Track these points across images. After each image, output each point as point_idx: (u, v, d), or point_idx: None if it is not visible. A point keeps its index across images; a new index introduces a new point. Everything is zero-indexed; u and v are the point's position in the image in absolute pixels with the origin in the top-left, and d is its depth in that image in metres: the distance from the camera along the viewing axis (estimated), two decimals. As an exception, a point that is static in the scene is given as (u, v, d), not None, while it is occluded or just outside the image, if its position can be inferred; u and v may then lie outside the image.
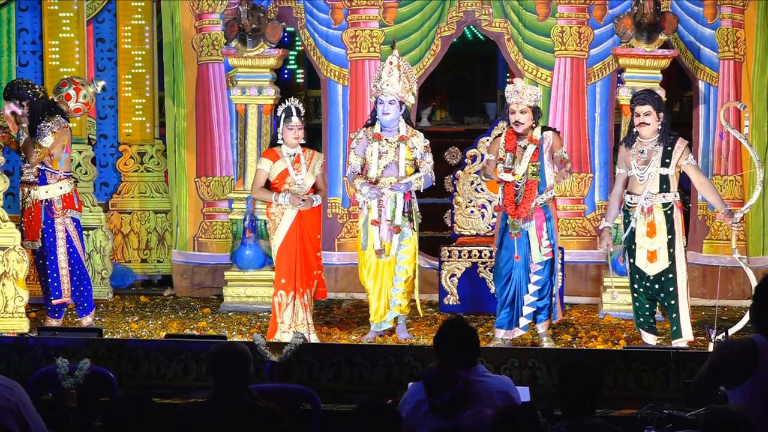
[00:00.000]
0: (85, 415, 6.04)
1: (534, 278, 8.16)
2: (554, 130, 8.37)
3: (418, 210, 8.47)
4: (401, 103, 8.39)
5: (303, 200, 8.19)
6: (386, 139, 8.38)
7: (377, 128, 8.40)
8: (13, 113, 8.65)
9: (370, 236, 8.37)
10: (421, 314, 8.83)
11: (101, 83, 9.28)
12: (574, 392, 4.60)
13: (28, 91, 8.71)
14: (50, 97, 8.86)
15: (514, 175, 8.09)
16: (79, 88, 8.94)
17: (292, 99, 8.39)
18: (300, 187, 8.24)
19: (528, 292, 8.16)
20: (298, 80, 13.55)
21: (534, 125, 8.16)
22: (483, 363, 5.42)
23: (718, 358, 4.96)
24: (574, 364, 4.72)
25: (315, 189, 8.33)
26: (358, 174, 8.41)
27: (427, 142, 8.48)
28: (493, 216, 9.27)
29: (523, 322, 8.23)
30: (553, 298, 8.21)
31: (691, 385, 5.03)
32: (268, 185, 8.31)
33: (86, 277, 8.90)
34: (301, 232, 8.26)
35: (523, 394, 5.50)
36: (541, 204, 8.13)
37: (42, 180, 8.72)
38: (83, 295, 8.85)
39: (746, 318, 8.07)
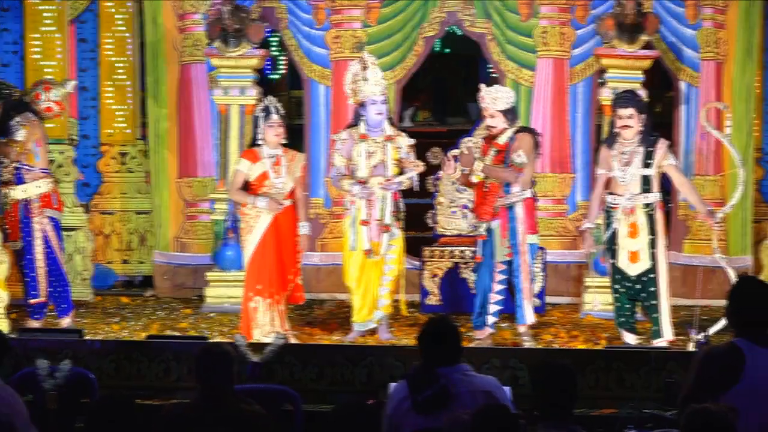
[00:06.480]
0: (66, 417, 6.02)
1: (498, 277, 8.19)
2: (532, 131, 8.36)
3: (403, 209, 8.49)
4: (386, 101, 8.44)
5: (281, 205, 8.17)
6: (373, 140, 8.39)
7: (362, 129, 8.40)
8: None
9: (359, 236, 8.36)
10: (405, 314, 8.83)
11: (72, 82, 9.28)
12: (547, 394, 4.61)
13: (6, 91, 8.72)
14: (24, 99, 8.88)
15: (476, 176, 8.17)
16: (49, 87, 8.95)
17: (269, 98, 8.39)
18: (279, 191, 8.22)
19: (493, 291, 8.20)
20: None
21: (508, 127, 8.19)
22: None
23: (703, 370, 4.87)
24: (545, 367, 4.73)
25: (293, 192, 8.31)
26: (344, 175, 8.41)
27: (412, 141, 8.50)
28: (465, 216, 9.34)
29: (491, 320, 8.27)
30: (524, 301, 8.22)
31: (678, 401, 4.97)
32: (247, 187, 8.29)
33: (63, 278, 8.86)
34: (277, 237, 8.22)
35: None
36: (506, 204, 8.15)
37: (19, 179, 8.69)
38: (61, 296, 8.82)
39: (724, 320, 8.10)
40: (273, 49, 12.60)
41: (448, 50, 13.85)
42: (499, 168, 8.12)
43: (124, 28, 10.52)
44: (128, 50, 10.55)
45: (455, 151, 9.60)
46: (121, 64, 10.56)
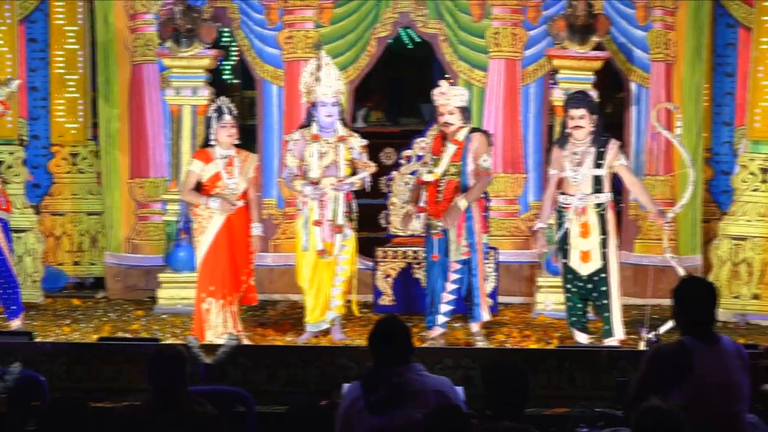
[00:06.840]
0: (16, 420, 5.97)
1: (452, 277, 8.22)
2: (485, 132, 8.42)
3: (356, 210, 8.49)
4: (338, 102, 8.43)
5: (233, 206, 8.15)
6: (325, 140, 8.38)
7: (314, 129, 8.39)
8: None
9: (311, 237, 8.35)
10: (357, 314, 8.83)
11: (16, 82, 9.18)
12: (500, 394, 4.64)
13: None
14: None
15: (432, 174, 8.16)
16: None
17: (222, 98, 8.37)
18: (232, 192, 8.19)
19: (445, 290, 8.23)
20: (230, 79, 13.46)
21: (463, 126, 8.24)
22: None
23: (652, 369, 4.93)
24: (497, 367, 4.75)
25: (246, 193, 8.29)
26: (296, 175, 8.40)
27: (365, 142, 8.51)
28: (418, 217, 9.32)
29: (441, 319, 8.30)
30: (478, 299, 8.28)
31: (627, 400, 5.02)
32: (199, 187, 8.26)
33: (13, 280, 8.76)
34: (230, 238, 8.20)
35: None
36: None
37: (-36, 180, 8.62)
38: (10, 298, 8.72)
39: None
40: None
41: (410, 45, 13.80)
42: (476, 186, 8.16)
43: (74, 29, 10.43)
44: (79, 52, 10.44)
45: (407, 152, 9.63)
46: (70, 60, 10.46)
